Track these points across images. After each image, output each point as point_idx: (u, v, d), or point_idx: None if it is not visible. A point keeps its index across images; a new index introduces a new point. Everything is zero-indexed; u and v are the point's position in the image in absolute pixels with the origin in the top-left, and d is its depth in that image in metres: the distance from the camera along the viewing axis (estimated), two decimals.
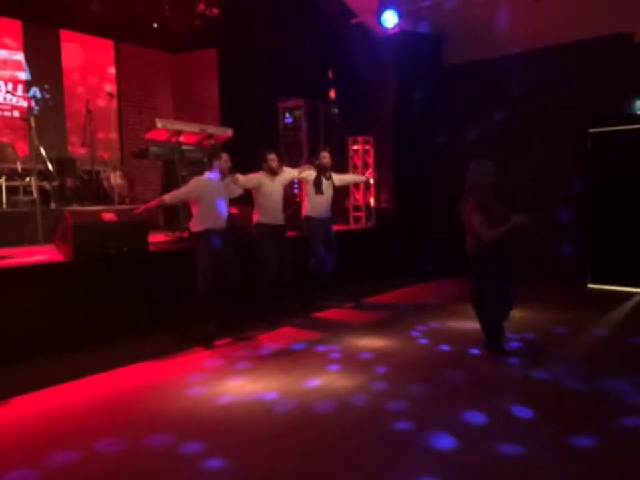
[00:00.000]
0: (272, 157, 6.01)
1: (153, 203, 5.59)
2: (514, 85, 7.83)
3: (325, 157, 6.54)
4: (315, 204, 6.51)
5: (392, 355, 4.82)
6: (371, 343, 5.17)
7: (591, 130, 7.75)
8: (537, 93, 7.92)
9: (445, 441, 3.18)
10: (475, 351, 4.83)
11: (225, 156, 5.44)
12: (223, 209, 5.45)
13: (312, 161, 6.81)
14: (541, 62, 7.88)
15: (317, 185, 6.46)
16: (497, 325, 4.68)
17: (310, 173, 6.49)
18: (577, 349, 5.00)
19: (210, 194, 5.34)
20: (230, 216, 5.62)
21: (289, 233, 6.39)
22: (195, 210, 5.40)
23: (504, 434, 3.27)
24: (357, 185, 8.75)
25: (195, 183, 5.40)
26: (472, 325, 5.66)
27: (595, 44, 7.38)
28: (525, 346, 4.99)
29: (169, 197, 5.51)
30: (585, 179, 7.68)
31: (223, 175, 5.45)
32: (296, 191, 8.53)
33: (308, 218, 6.56)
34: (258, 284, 5.88)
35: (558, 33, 7.54)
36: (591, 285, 7.78)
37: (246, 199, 6.25)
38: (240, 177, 5.69)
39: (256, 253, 5.95)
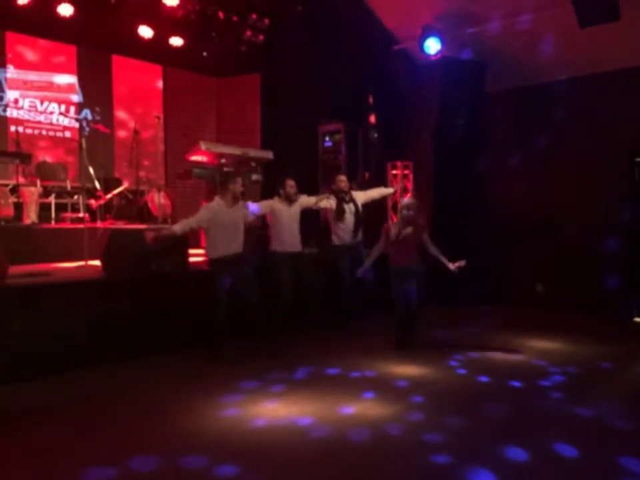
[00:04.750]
0: (290, 184, 5.99)
1: (163, 234, 5.22)
2: (559, 111, 7.72)
3: (342, 181, 6.48)
4: (339, 231, 6.50)
5: (428, 384, 4.72)
6: (406, 370, 5.08)
7: (639, 159, 7.54)
8: (582, 120, 7.77)
9: (484, 477, 3.07)
10: (515, 384, 4.70)
11: (238, 180, 5.36)
12: (237, 234, 5.34)
13: (330, 187, 6.71)
14: (586, 89, 7.73)
15: (339, 212, 6.43)
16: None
17: (331, 203, 6.46)
18: (623, 386, 4.80)
19: (222, 220, 5.23)
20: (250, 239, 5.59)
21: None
22: (208, 237, 5.29)
23: (546, 472, 3.15)
24: (395, 209, 8.71)
25: (205, 211, 5.28)
26: (513, 356, 5.54)
27: None
28: (568, 380, 4.82)
29: (179, 226, 5.26)
30: (632, 208, 7.46)
31: (235, 199, 5.35)
32: None
33: (332, 247, 6.58)
34: (273, 310, 5.82)
35: (604, 60, 7.41)
36: (637, 319, 7.48)
37: None
38: (250, 205, 5.65)
39: (273, 279, 5.96)
